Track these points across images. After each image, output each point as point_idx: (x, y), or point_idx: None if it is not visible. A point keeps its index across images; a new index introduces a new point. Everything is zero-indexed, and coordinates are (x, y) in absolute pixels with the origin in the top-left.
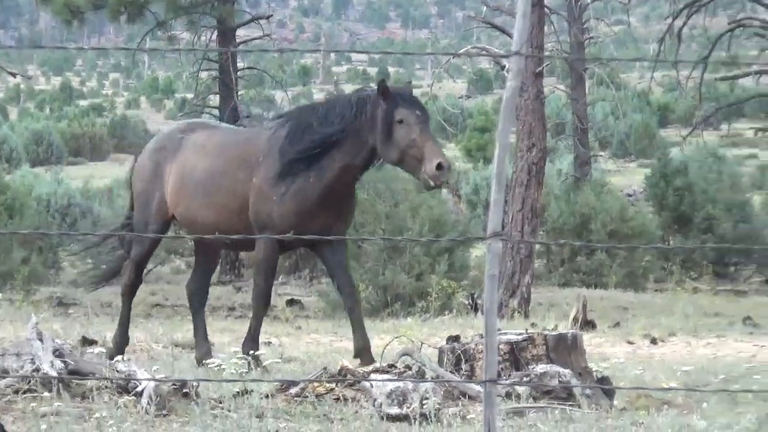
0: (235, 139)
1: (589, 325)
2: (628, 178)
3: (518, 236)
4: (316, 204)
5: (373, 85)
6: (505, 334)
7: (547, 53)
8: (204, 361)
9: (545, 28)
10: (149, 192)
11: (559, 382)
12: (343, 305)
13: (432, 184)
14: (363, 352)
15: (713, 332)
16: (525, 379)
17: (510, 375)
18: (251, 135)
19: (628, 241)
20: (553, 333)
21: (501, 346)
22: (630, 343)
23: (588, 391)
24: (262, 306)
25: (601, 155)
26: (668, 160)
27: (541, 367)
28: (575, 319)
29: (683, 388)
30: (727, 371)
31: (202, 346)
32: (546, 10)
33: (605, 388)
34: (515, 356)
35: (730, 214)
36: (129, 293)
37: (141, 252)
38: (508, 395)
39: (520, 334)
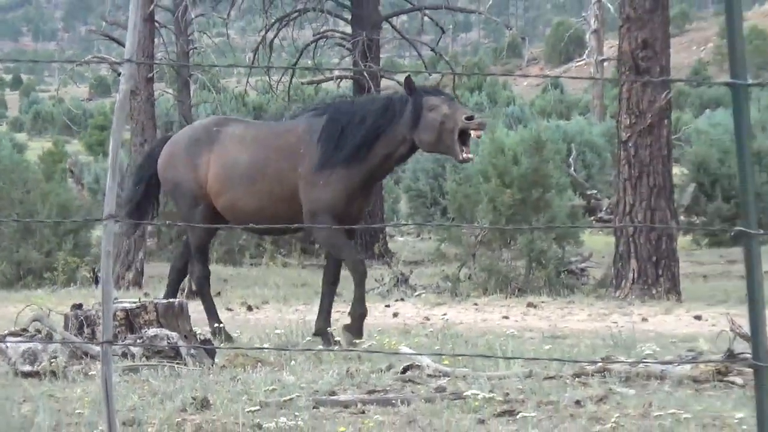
0: (272, 131)
1: (194, 294)
2: None
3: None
4: (359, 186)
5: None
6: (122, 302)
7: (156, 61)
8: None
9: (155, 39)
10: (185, 179)
11: (168, 343)
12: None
13: (463, 156)
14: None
15: (301, 300)
16: (138, 341)
17: (126, 337)
18: (287, 127)
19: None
20: (163, 302)
21: (117, 313)
22: (229, 309)
23: (193, 351)
24: (361, 273)
25: None
26: None
27: (152, 331)
28: (182, 290)
29: (275, 348)
30: (311, 332)
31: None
32: (156, 24)
33: (208, 348)
34: (130, 321)
35: None
36: (205, 286)
37: (198, 238)
38: (124, 355)
39: (134, 302)
